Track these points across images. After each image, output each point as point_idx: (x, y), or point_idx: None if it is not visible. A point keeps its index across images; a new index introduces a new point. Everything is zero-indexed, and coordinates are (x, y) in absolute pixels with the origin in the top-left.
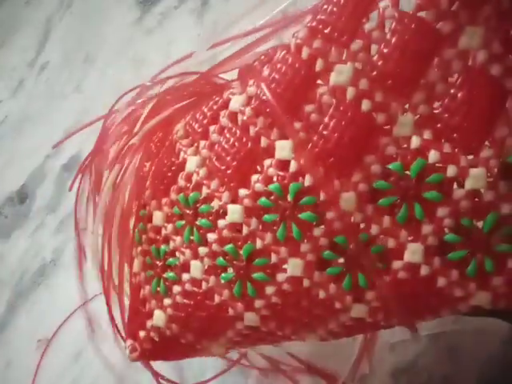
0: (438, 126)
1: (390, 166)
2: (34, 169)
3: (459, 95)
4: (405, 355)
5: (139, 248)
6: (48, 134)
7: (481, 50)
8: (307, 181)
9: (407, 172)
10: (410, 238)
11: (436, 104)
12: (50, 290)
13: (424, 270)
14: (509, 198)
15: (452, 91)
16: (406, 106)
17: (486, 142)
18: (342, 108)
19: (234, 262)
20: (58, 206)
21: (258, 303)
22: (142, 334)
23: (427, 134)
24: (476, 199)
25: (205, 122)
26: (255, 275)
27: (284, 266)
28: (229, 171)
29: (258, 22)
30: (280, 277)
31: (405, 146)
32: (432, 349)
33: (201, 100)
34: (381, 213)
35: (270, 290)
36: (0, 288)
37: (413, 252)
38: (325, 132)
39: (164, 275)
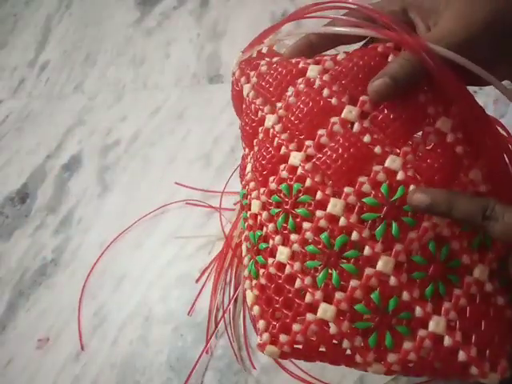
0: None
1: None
2: (34, 169)
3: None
4: None
5: (244, 234)
6: (48, 134)
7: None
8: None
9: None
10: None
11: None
12: (51, 290)
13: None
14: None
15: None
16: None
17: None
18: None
19: (326, 250)
20: (59, 206)
21: (339, 295)
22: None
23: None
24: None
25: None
26: (344, 265)
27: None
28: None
29: None
30: (368, 271)
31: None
32: None
33: None
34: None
35: (354, 283)
36: (1, 287)
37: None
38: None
39: (256, 258)
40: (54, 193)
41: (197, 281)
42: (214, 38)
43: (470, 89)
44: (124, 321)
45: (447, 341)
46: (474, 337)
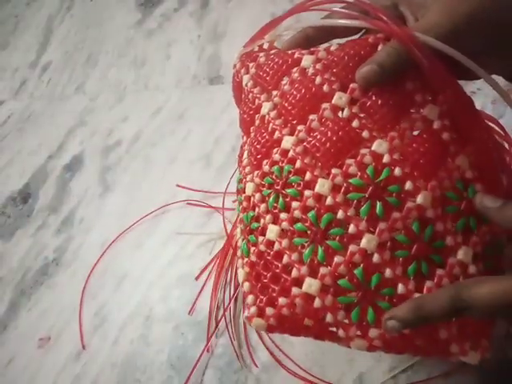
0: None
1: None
2: (36, 169)
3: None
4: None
5: (239, 217)
6: (50, 135)
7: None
8: (397, 171)
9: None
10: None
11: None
12: (52, 289)
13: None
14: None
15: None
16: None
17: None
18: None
19: (312, 228)
20: (60, 206)
21: (324, 270)
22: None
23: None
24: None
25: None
26: (330, 242)
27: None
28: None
29: None
30: (352, 248)
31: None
32: None
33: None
34: None
35: (339, 259)
36: (2, 287)
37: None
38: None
39: (248, 238)
40: (56, 193)
41: (196, 278)
42: (214, 40)
43: (469, 90)
44: (125, 320)
45: None
46: None
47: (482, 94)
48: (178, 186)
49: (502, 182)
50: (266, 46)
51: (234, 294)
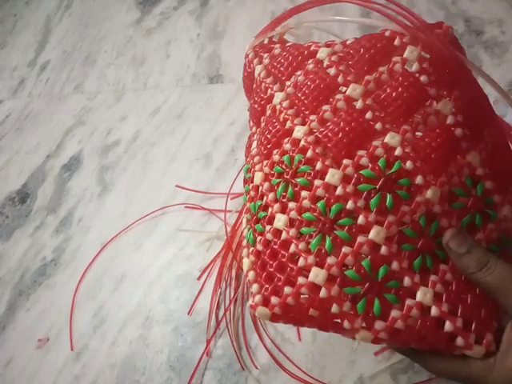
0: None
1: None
2: (34, 169)
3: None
4: None
5: (245, 207)
6: (48, 134)
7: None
8: (408, 164)
9: None
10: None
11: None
12: (51, 290)
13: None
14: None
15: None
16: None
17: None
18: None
19: (321, 217)
20: (59, 206)
21: (331, 260)
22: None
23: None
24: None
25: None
26: (338, 232)
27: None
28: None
29: None
30: (360, 239)
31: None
32: None
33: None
34: None
35: (346, 249)
36: (1, 287)
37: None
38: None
39: (254, 227)
40: (54, 193)
41: (198, 278)
42: (214, 38)
43: None
44: (124, 321)
45: (434, 311)
46: (460, 309)
47: None
48: (177, 186)
49: None
50: (275, 39)
51: (233, 296)
